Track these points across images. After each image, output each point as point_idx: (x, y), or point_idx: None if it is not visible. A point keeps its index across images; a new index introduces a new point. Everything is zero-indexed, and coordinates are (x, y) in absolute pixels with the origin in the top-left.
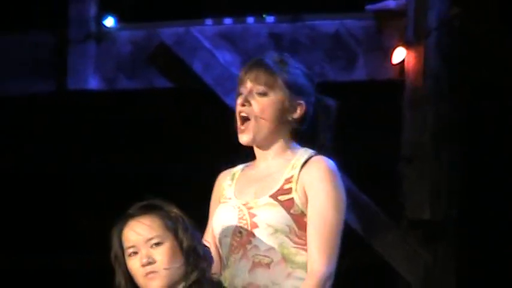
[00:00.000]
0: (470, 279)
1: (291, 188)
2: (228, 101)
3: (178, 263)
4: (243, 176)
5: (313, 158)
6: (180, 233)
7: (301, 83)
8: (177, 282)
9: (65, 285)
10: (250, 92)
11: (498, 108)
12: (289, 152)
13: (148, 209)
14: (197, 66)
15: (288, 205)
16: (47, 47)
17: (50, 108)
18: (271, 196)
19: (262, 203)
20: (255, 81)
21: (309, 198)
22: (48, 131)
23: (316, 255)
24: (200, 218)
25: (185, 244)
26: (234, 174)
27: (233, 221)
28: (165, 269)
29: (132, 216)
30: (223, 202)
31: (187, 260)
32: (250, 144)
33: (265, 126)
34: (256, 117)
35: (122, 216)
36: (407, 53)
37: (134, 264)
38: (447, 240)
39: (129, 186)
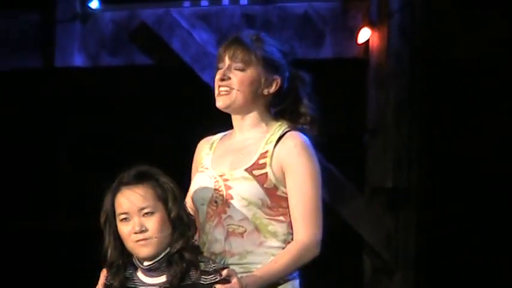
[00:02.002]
0: (429, 243)
1: (265, 163)
2: (204, 77)
3: (166, 232)
4: (220, 145)
5: (288, 134)
6: (170, 203)
7: (276, 59)
8: (163, 249)
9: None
10: (229, 67)
11: (455, 84)
12: (264, 125)
13: (142, 178)
14: (176, 45)
15: (261, 179)
16: (36, 27)
17: (39, 83)
18: (246, 170)
19: (237, 176)
20: (233, 57)
21: (286, 174)
22: (36, 104)
23: (300, 226)
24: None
25: (173, 214)
26: (212, 143)
27: (209, 191)
28: (155, 237)
29: (127, 183)
30: (201, 171)
31: (174, 229)
32: (225, 109)
33: (242, 97)
34: (233, 90)
35: (115, 180)
36: (372, 33)
37: (125, 230)
38: (408, 206)
39: (110, 155)
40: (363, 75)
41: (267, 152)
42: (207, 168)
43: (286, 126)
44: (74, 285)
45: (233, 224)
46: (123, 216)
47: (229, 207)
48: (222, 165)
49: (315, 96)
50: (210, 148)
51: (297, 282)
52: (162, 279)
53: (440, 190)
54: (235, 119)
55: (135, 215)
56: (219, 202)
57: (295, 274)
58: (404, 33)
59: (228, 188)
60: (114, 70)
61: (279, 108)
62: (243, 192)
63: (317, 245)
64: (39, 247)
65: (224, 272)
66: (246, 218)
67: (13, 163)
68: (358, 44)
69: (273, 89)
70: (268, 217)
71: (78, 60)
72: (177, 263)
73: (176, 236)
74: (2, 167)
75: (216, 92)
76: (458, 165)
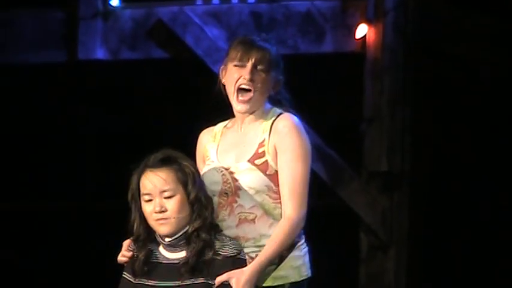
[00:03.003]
0: (422, 223)
1: (264, 152)
2: (215, 69)
3: (185, 213)
4: (224, 138)
5: (279, 117)
6: (189, 186)
7: (281, 59)
8: (182, 228)
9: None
10: (253, 69)
11: (445, 76)
12: (263, 116)
13: (165, 162)
14: (189, 40)
15: (263, 168)
16: (61, 24)
17: (63, 75)
18: (248, 161)
19: (242, 168)
20: (259, 61)
21: (278, 153)
22: (61, 95)
23: (289, 202)
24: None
25: (192, 196)
26: (215, 134)
27: (218, 184)
28: (174, 218)
29: (151, 166)
30: (208, 164)
31: (193, 210)
32: (246, 113)
33: (261, 99)
34: (256, 92)
35: (141, 163)
36: (369, 29)
37: (148, 209)
38: (402, 189)
39: (130, 141)
40: (360, 68)
41: (264, 140)
42: (213, 161)
43: (278, 110)
44: None
45: (244, 212)
46: (146, 197)
47: (239, 197)
48: (227, 159)
49: (315, 89)
50: (214, 139)
51: (303, 246)
52: (182, 254)
53: (431, 173)
54: (240, 114)
55: (157, 196)
56: (229, 193)
57: (301, 240)
58: (398, 29)
59: (235, 180)
60: (133, 63)
61: (276, 98)
62: (249, 182)
63: (303, 219)
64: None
65: (217, 282)
66: (255, 205)
67: (38, 151)
68: (356, 40)
69: (277, 89)
70: (274, 201)
71: (100, 54)
72: (194, 241)
73: (194, 216)
74: (28, 155)
75: (236, 93)
76: (448, 151)
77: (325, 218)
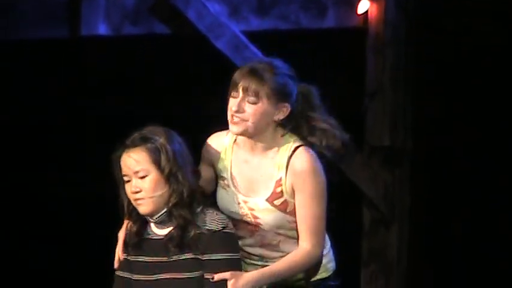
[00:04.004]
0: (423, 198)
1: (282, 191)
2: (218, 44)
3: (161, 191)
4: (235, 159)
5: (294, 155)
6: (163, 163)
7: (287, 87)
8: (161, 207)
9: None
10: (243, 99)
11: (446, 51)
12: (275, 147)
13: (140, 142)
14: (191, 15)
15: (283, 207)
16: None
17: (65, 51)
18: (267, 201)
19: (261, 207)
20: (247, 90)
21: (295, 191)
22: (63, 71)
23: (307, 238)
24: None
25: (166, 172)
26: (225, 150)
27: (238, 214)
28: (149, 197)
29: (126, 147)
30: (223, 188)
31: (169, 186)
32: (240, 135)
33: (254, 127)
34: (246, 122)
35: (120, 144)
36: (371, 5)
37: (127, 189)
38: (404, 163)
39: (132, 115)
40: (363, 43)
41: (280, 179)
42: (228, 186)
43: (292, 143)
44: None
45: (267, 238)
46: (125, 178)
47: (260, 229)
48: (243, 188)
49: (317, 64)
50: (225, 156)
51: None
52: (169, 230)
53: (432, 148)
54: (248, 140)
55: (133, 176)
56: (250, 224)
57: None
58: (400, 5)
59: (256, 217)
60: (135, 39)
61: (291, 126)
62: (270, 222)
63: (320, 256)
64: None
65: (216, 277)
66: (277, 235)
67: (41, 126)
68: (358, 15)
69: (282, 116)
70: (296, 229)
71: (102, 29)
72: (175, 217)
73: (170, 193)
74: (30, 131)
75: (229, 119)
76: (449, 125)
77: (327, 192)
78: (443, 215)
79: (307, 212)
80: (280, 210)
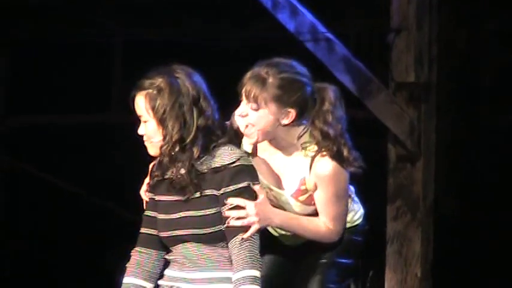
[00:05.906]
0: (449, 134)
1: (306, 189)
2: None
3: (160, 137)
4: (260, 150)
5: (316, 159)
6: (159, 109)
7: (291, 92)
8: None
9: None
10: (247, 104)
11: None
12: (295, 147)
13: (141, 86)
14: None
15: (308, 201)
16: None
17: None
18: (292, 196)
19: (287, 201)
20: (248, 98)
21: (318, 188)
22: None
23: (330, 223)
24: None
25: (159, 117)
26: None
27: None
28: (150, 142)
29: (135, 89)
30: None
31: (166, 130)
32: (256, 144)
33: (261, 133)
34: (253, 127)
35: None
36: None
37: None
38: (429, 99)
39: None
40: None
41: (304, 178)
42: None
43: (313, 145)
44: None
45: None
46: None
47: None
48: (267, 176)
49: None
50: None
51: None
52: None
53: (458, 84)
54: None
55: (141, 119)
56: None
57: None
58: None
59: (281, 206)
60: None
61: (307, 127)
62: (293, 211)
63: (338, 237)
64: None
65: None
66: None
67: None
68: None
69: (288, 120)
70: None
71: None
72: (176, 161)
73: (164, 137)
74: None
75: (242, 130)
76: (474, 60)
77: (353, 129)
78: (470, 149)
79: (330, 210)
80: (306, 204)
